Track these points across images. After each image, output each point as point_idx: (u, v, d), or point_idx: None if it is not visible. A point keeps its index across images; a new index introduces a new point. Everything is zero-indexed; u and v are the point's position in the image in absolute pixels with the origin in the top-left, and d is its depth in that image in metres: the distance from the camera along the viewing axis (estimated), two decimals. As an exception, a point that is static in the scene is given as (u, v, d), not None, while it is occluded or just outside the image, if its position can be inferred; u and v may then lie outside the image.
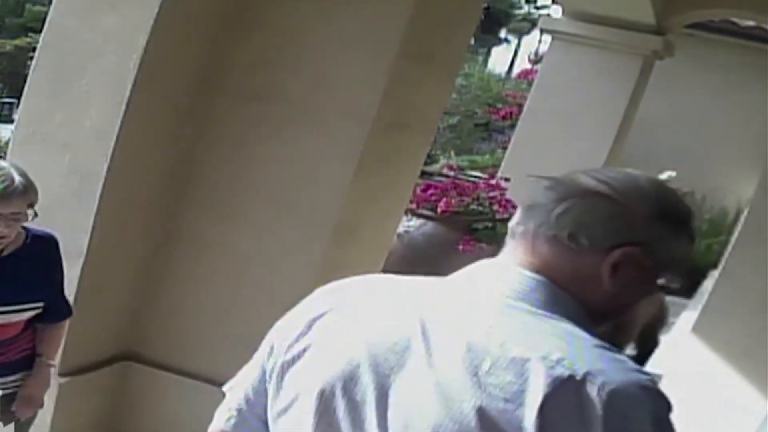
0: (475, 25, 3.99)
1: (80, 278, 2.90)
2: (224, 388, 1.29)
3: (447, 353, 1.02)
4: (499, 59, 33.35)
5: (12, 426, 2.59)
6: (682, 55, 8.36)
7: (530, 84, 10.27)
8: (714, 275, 6.64)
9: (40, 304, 2.46)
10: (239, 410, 1.23)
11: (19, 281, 2.38)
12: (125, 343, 3.37)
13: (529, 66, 19.11)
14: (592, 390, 0.94)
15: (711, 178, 10.04)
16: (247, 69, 3.22)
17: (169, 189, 3.26)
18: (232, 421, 1.24)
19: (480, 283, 1.10)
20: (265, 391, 1.19)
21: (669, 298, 7.03)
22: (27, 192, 2.27)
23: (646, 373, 1.00)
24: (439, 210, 7.38)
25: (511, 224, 1.15)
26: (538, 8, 33.03)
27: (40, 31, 3.07)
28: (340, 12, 3.12)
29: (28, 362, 2.54)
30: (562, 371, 0.95)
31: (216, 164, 3.28)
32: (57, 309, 2.54)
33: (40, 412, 2.66)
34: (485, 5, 5.90)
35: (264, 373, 1.20)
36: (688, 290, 8.63)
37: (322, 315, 1.16)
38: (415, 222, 6.95)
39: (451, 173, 9.34)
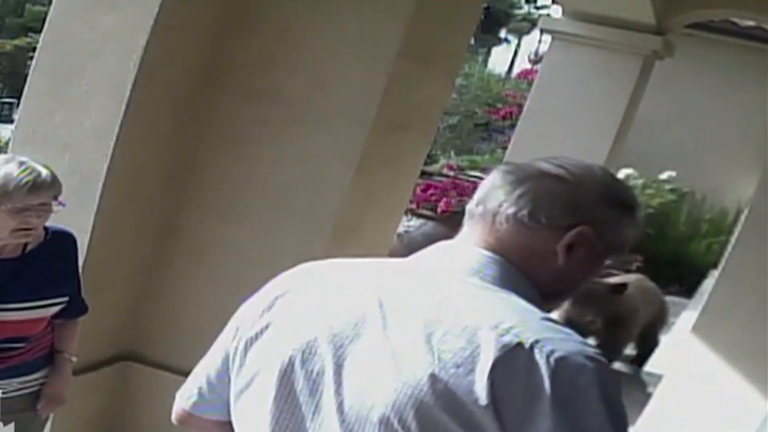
0: (475, 25, 3.98)
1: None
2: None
3: (402, 324, 1.06)
4: (499, 59, 33.41)
5: (12, 426, 2.59)
6: (682, 55, 8.36)
7: (530, 84, 10.27)
8: (714, 275, 6.64)
9: (65, 299, 2.46)
10: (200, 391, 1.28)
11: (42, 276, 2.39)
12: (125, 343, 3.37)
13: (529, 66, 19.15)
14: (541, 357, 0.98)
15: (711, 178, 10.05)
16: (247, 69, 3.22)
17: (169, 189, 3.26)
18: (192, 400, 1.29)
19: (436, 262, 1.16)
20: (227, 372, 1.23)
21: (669, 298, 7.04)
22: (54, 183, 2.30)
23: (592, 347, 1.04)
24: (439, 210, 7.40)
25: (469, 206, 1.21)
26: (538, 8, 33.11)
27: (40, 31, 3.06)
28: (341, 12, 3.12)
29: (46, 360, 2.54)
30: (511, 339, 1.00)
31: (216, 164, 3.28)
32: (77, 305, 2.55)
33: (40, 412, 2.66)
34: (485, 5, 5.90)
35: (227, 355, 1.24)
36: (689, 290, 8.63)
37: (284, 293, 1.21)
38: (415, 222, 6.96)
39: (451, 173, 9.36)
